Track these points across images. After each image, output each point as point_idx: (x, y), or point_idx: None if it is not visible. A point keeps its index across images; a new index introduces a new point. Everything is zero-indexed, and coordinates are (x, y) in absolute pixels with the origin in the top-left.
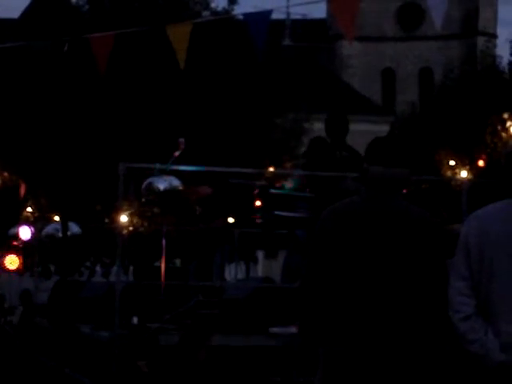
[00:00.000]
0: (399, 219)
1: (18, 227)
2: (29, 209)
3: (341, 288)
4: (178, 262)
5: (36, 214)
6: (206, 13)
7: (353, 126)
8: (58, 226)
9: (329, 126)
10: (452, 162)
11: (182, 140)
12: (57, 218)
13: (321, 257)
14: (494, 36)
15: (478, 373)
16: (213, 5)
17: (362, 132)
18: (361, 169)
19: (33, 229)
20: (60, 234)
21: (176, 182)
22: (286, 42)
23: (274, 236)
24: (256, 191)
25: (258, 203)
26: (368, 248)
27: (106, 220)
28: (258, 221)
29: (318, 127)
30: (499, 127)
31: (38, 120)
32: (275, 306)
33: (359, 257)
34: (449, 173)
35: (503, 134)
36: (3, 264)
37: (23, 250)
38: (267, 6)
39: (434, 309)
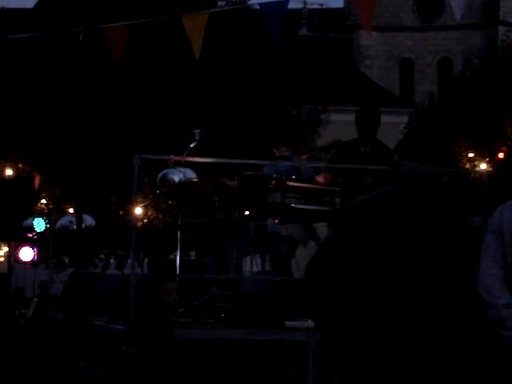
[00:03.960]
0: (436, 215)
1: (33, 219)
2: (43, 201)
3: (369, 282)
4: (193, 254)
5: (50, 206)
6: (221, 3)
7: None
8: (73, 218)
9: (360, 120)
10: (471, 154)
11: (197, 131)
12: (71, 210)
13: (344, 250)
14: None
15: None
16: None
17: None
18: (391, 163)
19: (47, 221)
20: (74, 226)
21: (191, 174)
22: (303, 31)
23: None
24: (273, 183)
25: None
26: (402, 244)
27: (121, 212)
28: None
29: (335, 118)
30: None
31: (53, 111)
32: (291, 300)
33: (393, 253)
34: (468, 165)
35: None
36: (18, 256)
37: (38, 241)
38: None
39: (468, 307)
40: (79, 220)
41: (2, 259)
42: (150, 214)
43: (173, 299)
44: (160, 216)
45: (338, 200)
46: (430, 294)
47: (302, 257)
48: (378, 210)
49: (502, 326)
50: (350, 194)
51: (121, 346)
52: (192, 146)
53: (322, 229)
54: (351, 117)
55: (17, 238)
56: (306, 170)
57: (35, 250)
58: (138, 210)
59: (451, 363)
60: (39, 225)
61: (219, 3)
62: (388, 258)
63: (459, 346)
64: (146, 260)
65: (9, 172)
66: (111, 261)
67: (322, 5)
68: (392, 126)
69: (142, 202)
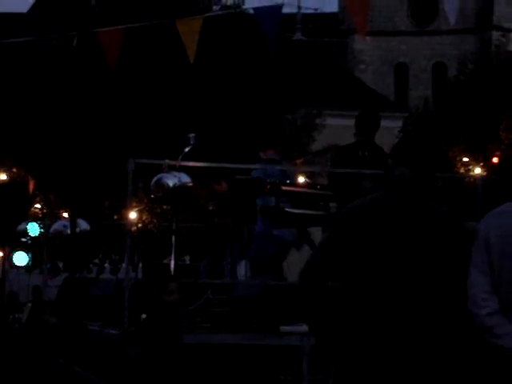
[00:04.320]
0: (430, 220)
1: (27, 223)
2: (37, 205)
3: (364, 286)
4: (187, 258)
5: (45, 211)
6: (216, 7)
7: None
8: (67, 223)
9: (359, 123)
10: (465, 159)
11: (192, 135)
12: (65, 215)
13: (339, 254)
14: (509, 30)
15: (504, 366)
16: None
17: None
18: (385, 168)
19: (41, 225)
20: (68, 231)
21: (186, 178)
22: (298, 36)
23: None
24: (267, 188)
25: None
26: (396, 248)
27: (115, 216)
28: None
29: (330, 123)
30: None
31: (47, 115)
32: (286, 304)
33: (387, 257)
34: (462, 169)
35: None
36: (12, 260)
37: (32, 246)
38: (278, 0)
39: (460, 312)
40: (73, 224)
41: None
42: (144, 218)
43: (174, 298)
44: (155, 220)
45: (332, 204)
46: (425, 298)
47: (296, 261)
48: (373, 215)
49: (489, 334)
50: (346, 199)
51: (120, 348)
52: (187, 150)
53: (316, 233)
54: (346, 121)
55: (11, 243)
56: (291, 174)
57: (29, 254)
58: (133, 215)
59: (445, 367)
60: (33, 229)
61: (213, 8)
62: (383, 263)
63: (453, 350)
64: (141, 264)
65: (3, 177)
66: (106, 265)
67: (316, 9)
68: (387, 130)
69: (136, 207)
